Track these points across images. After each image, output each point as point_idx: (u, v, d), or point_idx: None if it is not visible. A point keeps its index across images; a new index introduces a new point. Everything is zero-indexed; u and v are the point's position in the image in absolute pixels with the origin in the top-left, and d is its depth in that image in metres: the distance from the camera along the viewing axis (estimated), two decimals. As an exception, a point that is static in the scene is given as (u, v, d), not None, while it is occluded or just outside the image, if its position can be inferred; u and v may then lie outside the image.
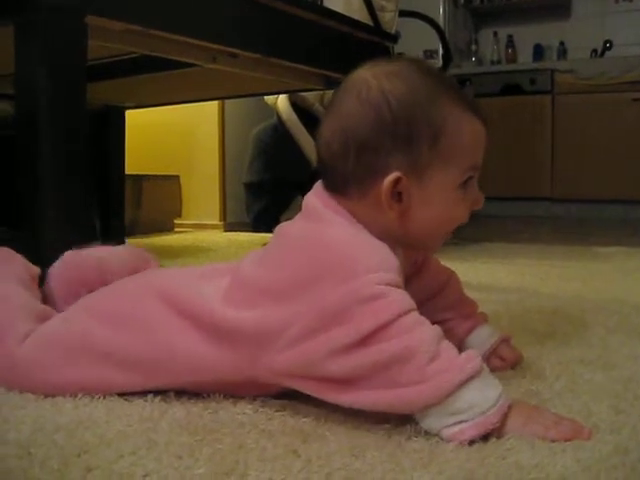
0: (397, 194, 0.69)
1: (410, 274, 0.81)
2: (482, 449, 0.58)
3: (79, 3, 1.05)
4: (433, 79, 0.71)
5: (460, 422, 0.59)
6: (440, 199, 0.70)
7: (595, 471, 0.53)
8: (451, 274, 0.89)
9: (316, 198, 0.73)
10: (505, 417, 0.61)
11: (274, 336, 0.65)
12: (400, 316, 0.61)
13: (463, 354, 0.62)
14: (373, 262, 0.65)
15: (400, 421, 0.64)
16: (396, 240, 0.70)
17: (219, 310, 0.69)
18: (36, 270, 0.88)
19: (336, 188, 0.72)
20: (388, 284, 0.64)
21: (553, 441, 0.59)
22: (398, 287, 0.65)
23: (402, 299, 0.63)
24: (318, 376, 0.63)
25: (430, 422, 0.61)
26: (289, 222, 0.74)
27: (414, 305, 0.64)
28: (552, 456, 0.56)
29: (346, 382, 0.62)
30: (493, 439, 0.60)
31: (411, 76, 0.71)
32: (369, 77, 0.71)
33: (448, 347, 0.62)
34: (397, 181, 0.68)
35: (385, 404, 0.61)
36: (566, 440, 0.59)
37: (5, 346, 0.75)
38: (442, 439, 0.60)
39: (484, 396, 0.60)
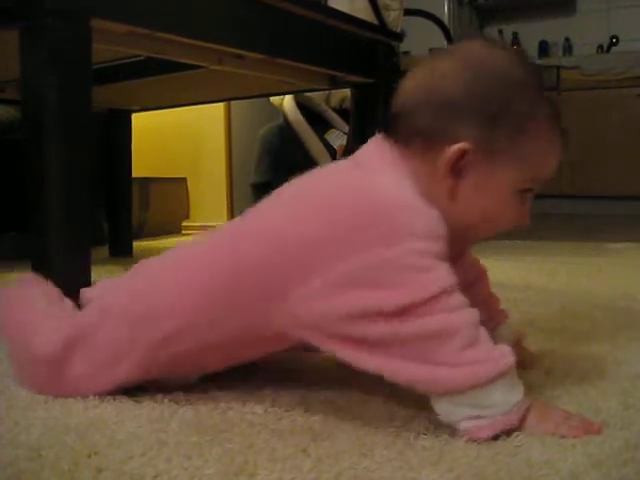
0: (457, 169, 0.66)
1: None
2: (492, 446, 0.58)
3: (84, 7, 1.05)
4: (536, 75, 0.69)
5: (477, 417, 0.59)
6: (493, 193, 0.67)
7: (606, 467, 0.53)
8: (482, 270, 0.87)
9: (373, 148, 0.71)
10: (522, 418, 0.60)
11: (301, 276, 0.63)
12: (442, 294, 0.59)
13: (497, 348, 0.61)
14: (419, 227, 0.62)
15: (409, 418, 0.64)
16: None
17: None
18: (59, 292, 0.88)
19: (403, 137, 0.69)
20: (435, 256, 0.61)
21: (563, 437, 0.59)
22: (443, 260, 0.62)
23: (446, 276, 0.60)
24: (344, 334, 0.61)
25: (446, 407, 0.60)
26: (309, 176, 0.72)
27: (456, 284, 0.61)
28: (562, 452, 0.56)
29: (375, 345, 0.60)
30: (503, 436, 0.59)
31: (516, 63, 0.69)
32: (478, 48, 0.70)
33: (485, 335, 0.61)
34: (463, 154, 0.65)
35: (409, 377, 0.59)
36: (576, 436, 0.59)
37: (39, 347, 0.73)
38: (456, 428, 0.60)
39: (506, 399, 0.59)
